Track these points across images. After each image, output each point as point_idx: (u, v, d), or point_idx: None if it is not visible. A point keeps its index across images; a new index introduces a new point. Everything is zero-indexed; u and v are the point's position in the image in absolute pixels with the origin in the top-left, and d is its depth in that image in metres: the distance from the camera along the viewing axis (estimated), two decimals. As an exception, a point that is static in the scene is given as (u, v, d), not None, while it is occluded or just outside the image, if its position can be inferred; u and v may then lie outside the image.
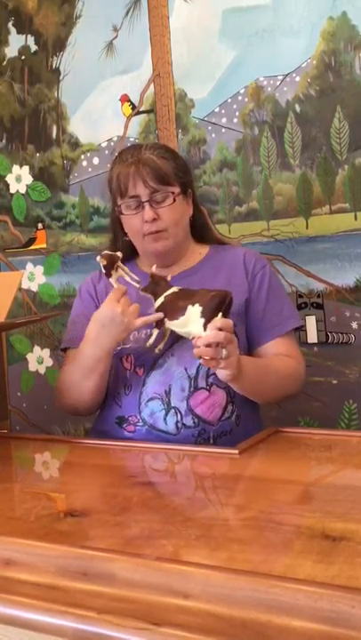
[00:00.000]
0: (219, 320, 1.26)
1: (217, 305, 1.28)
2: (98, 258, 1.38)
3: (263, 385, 1.43)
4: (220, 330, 1.25)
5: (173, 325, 1.34)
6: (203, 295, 1.31)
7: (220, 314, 1.27)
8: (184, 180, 1.51)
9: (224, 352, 1.26)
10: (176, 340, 1.43)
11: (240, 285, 1.50)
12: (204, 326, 1.27)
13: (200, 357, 1.28)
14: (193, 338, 1.30)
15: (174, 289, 1.37)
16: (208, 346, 1.25)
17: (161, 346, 1.40)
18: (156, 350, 1.40)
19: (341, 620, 0.64)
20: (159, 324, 1.36)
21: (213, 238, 1.64)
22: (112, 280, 1.38)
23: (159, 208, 1.46)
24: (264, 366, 1.45)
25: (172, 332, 1.40)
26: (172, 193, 1.47)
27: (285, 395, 1.52)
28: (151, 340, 1.38)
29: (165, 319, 1.35)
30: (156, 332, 1.37)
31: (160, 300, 1.37)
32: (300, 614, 0.66)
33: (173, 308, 1.34)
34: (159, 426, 1.42)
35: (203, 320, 1.27)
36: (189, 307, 1.30)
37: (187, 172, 1.55)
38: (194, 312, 1.29)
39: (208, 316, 1.28)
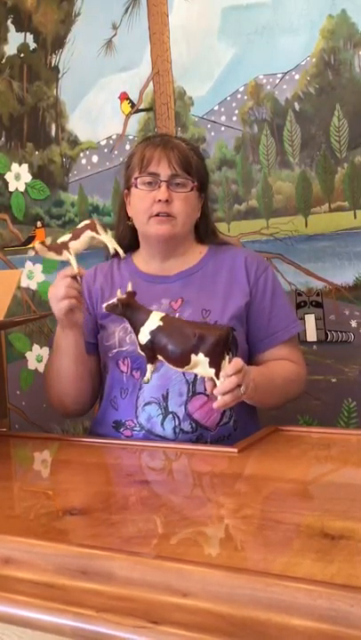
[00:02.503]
0: (230, 368, 1.22)
1: (222, 349, 1.23)
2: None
3: (271, 393, 1.43)
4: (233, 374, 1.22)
5: (173, 368, 1.27)
6: (201, 337, 1.21)
7: (227, 356, 1.23)
8: (202, 180, 1.52)
9: (242, 389, 1.24)
10: None
11: (242, 288, 1.49)
12: (216, 375, 1.22)
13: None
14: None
15: (154, 318, 1.25)
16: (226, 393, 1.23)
17: (149, 375, 1.31)
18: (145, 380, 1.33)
19: (340, 618, 0.64)
20: (152, 359, 1.28)
21: (215, 241, 1.60)
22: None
23: (175, 192, 1.46)
24: (270, 376, 1.43)
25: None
26: (192, 182, 1.48)
27: (289, 399, 1.52)
28: (148, 375, 1.30)
29: (161, 358, 1.26)
30: (150, 367, 1.30)
31: (146, 336, 1.25)
32: (300, 613, 0.66)
33: (167, 350, 1.24)
34: (157, 431, 1.40)
35: (213, 370, 1.22)
36: (193, 356, 1.22)
37: (206, 175, 1.56)
38: (200, 361, 1.22)
39: (217, 364, 1.22)
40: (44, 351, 2.30)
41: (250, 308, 1.49)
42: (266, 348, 1.50)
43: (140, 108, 2.11)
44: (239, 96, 1.95)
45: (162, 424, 1.40)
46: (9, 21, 2.31)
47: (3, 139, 2.34)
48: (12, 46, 2.30)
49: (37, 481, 1.22)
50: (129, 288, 1.29)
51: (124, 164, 1.58)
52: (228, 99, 1.96)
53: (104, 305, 1.30)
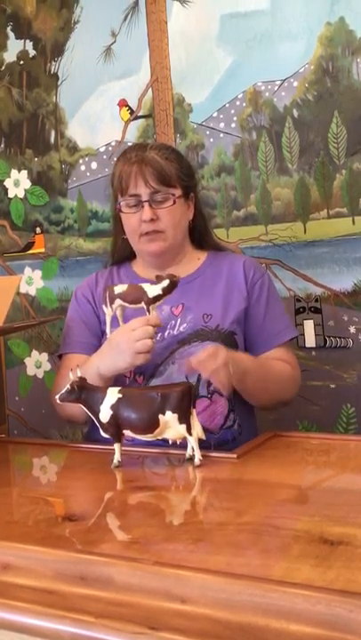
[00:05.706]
0: (203, 352, 1.26)
1: (188, 403, 1.17)
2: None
3: (263, 384, 1.43)
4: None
5: (144, 438, 1.20)
6: (164, 395, 1.16)
7: (194, 411, 1.18)
8: (187, 184, 1.51)
9: (231, 368, 1.28)
10: (177, 348, 1.43)
11: (240, 292, 1.51)
12: (188, 432, 1.17)
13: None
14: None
15: (112, 393, 1.18)
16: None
17: (119, 456, 1.21)
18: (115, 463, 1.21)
19: (339, 624, 0.64)
20: (118, 436, 1.19)
21: (212, 244, 1.62)
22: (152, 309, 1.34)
23: (158, 209, 1.46)
24: (264, 366, 1.46)
25: (173, 341, 1.41)
26: (173, 195, 1.47)
27: (282, 399, 1.51)
28: (118, 457, 1.20)
29: (127, 433, 1.19)
30: (118, 447, 1.20)
31: (108, 412, 1.18)
32: (298, 618, 0.66)
33: (133, 418, 1.18)
34: None
35: (183, 426, 1.16)
36: (160, 417, 1.16)
37: (191, 176, 1.54)
38: (169, 420, 1.16)
39: (187, 419, 1.16)
40: (43, 357, 2.30)
41: (247, 312, 1.50)
42: (261, 351, 1.51)
43: (138, 114, 2.11)
44: (238, 103, 1.95)
45: None
46: (8, 28, 2.32)
47: (2, 145, 2.35)
48: (12, 53, 2.31)
49: (36, 487, 1.22)
50: (78, 373, 1.20)
51: (109, 180, 1.57)
52: (227, 105, 1.97)
53: (57, 396, 1.21)
